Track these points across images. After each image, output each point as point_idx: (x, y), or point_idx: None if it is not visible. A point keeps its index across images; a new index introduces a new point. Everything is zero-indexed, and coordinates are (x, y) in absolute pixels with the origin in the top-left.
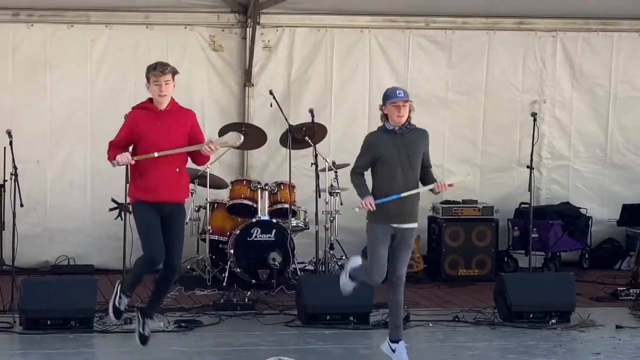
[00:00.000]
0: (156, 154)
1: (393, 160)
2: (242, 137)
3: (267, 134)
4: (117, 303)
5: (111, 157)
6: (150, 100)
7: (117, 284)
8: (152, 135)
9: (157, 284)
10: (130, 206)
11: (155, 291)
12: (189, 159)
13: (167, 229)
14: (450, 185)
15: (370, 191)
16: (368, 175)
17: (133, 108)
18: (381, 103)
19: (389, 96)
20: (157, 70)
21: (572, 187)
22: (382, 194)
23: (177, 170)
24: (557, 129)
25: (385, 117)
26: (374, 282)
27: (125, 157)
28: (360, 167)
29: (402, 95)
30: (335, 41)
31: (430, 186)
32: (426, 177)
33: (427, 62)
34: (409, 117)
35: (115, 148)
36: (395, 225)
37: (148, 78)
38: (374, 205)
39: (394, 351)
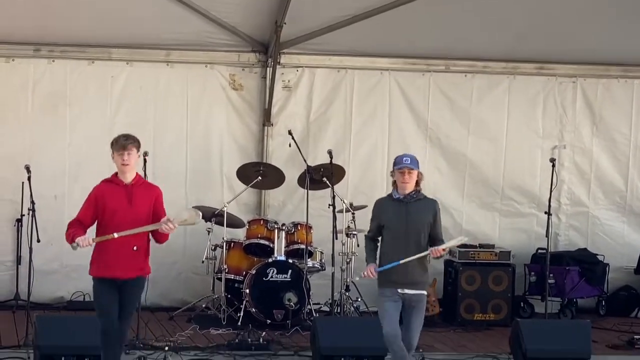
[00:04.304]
0: (116, 235)
1: (396, 228)
2: (200, 214)
3: (285, 174)
4: None
5: (70, 238)
6: (116, 174)
7: None
8: (118, 209)
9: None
10: (93, 279)
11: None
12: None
13: (121, 302)
14: (444, 250)
15: (378, 256)
16: None
17: (102, 181)
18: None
19: (396, 162)
20: (120, 142)
21: (590, 233)
22: (386, 260)
23: (135, 248)
24: (576, 175)
25: (394, 184)
26: (387, 338)
27: (85, 241)
28: (371, 232)
29: (408, 162)
30: (355, 82)
31: (425, 253)
32: (435, 245)
33: (447, 105)
34: (418, 186)
35: (76, 227)
36: (401, 291)
37: (112, 151)
38: (374, 274)
39: None
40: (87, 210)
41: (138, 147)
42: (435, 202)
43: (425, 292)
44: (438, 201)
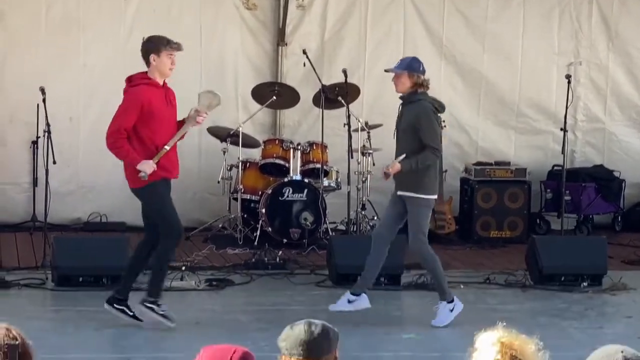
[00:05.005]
0: (167, 147)
1: (395, 129)
2: (215, 92)
3: (300, 94)
4: (163, 314)
5: (129, 157)
6: (145, 75)
7: (150, 309)
8: (162, 111)
9: (139, 259)
10: (146, 187)
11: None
12: None
13: None
14: (387, 170)
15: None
16: None
17: (133, 85)
18: None
19: None
20: (173, 44)
21: (606, 149)
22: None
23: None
24: (592, 92)
25: None
26: (373, 233)
27: (150, 168)
28: None
29: (394, 66)
30: (370, 0)
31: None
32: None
33: (463, 22)
34: (414, 87)
35: (126, 141)
36: (397, 192)
37: (159, 50)
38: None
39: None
40: (132, 116)
41: None
42: (422, 106)
43: (414, 195)
44: (430, 106)
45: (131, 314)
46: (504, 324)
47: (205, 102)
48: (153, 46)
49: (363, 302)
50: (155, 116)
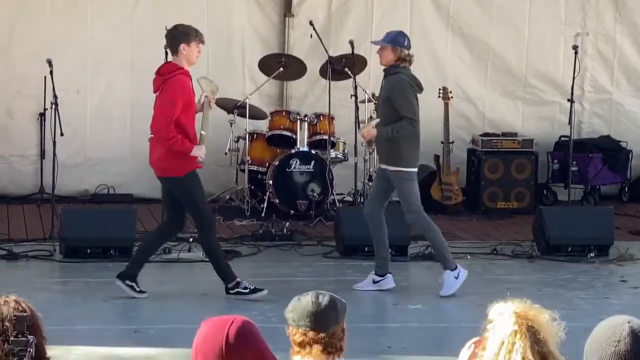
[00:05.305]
0: (203, 132)
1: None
2: (210, 79)
3: (306, 65)
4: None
5: (187, 147)
6: (172, 64)
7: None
8: (195, 103)
9: (155, 243)
10: (185, 178)
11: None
12: None
13: None
14: (364, 135)
15: None
16: None
17: (171, 75)
18: None
19: None
20: (200, 35)
21: (613, 120)
22: None
23: None
24: (599, 62)
25: None
26: (365, 213)
27: (203, 151)
28: None
29: (378, 40)
30: None
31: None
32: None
33: None
34: (398, 62)
35: (178, 133)
36: (381, 165)
37: (189, 39)
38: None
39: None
40: (178, 106)
41: None
42: (398, 78)
43: (395, 168)
44: (406, 78)
45: (138, 290)
46: (510, 294)
47: (208, 88)
48: (183, 36)
49: (388, 282)
50: (192, 105)
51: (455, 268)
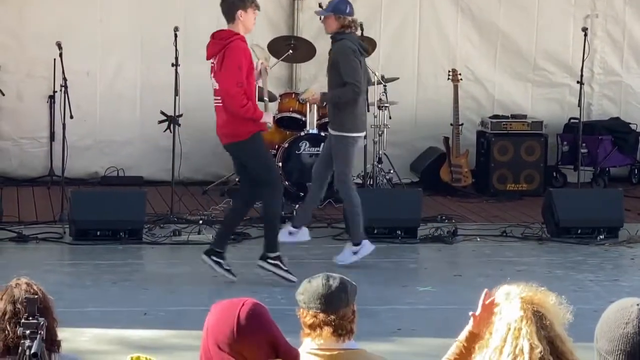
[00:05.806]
0: (266, 98)
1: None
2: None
3: (316, 48)
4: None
5: (258, 113)
6: (234, 32)
7: (275, 265)
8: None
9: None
10: (250, 140)
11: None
12: None
13: None
14: (307, 99)
15: None
16: None
17: (237, 39)
18: None
19: None
20: (257, 2)
21: (623, 102)
22: None
23: None
24: (609, 44)
25: None
26: (313, 170)
27: (270, 117)
28: None
29: (322, 9)
30: None
31: None
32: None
33: None
34: (341, 29)
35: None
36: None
37: (246, 6)
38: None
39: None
40: (244, 70)
41: None
42: (341, 44)
43: (338, 133)
44: (350, 44)
45: (227, 268)
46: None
47: (262, 55)
48: (240, 2)
49: (303, 235)
50: (252, 70)
51: (359, 244)
